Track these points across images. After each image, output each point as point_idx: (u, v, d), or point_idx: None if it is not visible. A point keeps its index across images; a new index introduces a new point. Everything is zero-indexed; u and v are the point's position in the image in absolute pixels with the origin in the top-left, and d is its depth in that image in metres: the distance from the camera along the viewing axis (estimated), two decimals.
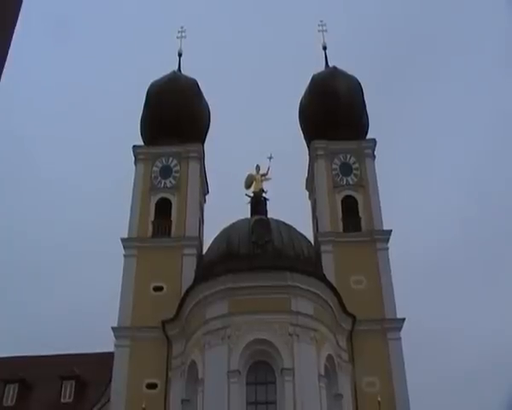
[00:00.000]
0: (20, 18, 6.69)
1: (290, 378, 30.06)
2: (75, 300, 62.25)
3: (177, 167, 41.89)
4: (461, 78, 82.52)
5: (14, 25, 6.61)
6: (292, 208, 44.58)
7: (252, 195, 40.85)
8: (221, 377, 30.16)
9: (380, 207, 39.98)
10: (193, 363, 32.36)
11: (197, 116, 44.47)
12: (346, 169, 41.36)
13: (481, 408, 41.82)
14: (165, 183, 41.41)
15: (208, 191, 45.96)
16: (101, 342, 39.42)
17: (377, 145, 42.44)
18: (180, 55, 48.36)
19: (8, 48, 6.58)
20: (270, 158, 41.04)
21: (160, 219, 40.05)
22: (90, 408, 36.14)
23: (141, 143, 43.87)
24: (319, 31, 48.36)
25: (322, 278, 34.70)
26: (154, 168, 41.88)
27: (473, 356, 55.04)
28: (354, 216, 39.75)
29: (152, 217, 40.12)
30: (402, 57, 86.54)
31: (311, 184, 44.13)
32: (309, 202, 45.38)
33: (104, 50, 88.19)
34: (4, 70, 6.66)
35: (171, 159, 42.19)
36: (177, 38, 48.42)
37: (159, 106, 43.61)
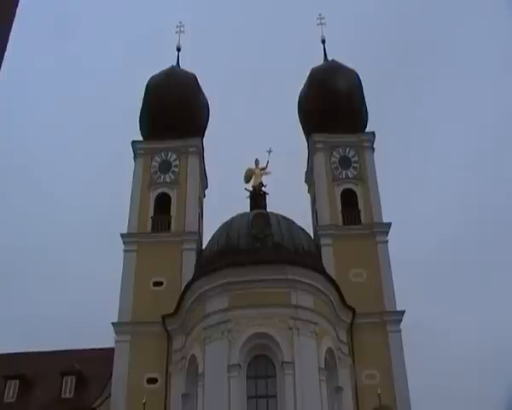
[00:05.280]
0: (20, 17, 6.67)
1: (290, 372, 30.04)
2: (75, 295, 62.38)
3: (177, 162, 41.87)
4: (461, 72, 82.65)
5: (11, 24, 6.59)
6: (291, 202, 44.65)
7: (251, 189, 40.75)
8: (221, 372, 30.13)
9: (379, 200, 40.00)
10: (193, 357, 32.37)
11: (196, 111, 44.42)
12: (345, 162, 41.36)
13: (480, 406, 41.80)
14: (164, 178, 41.39)
15: (208, 186, 45.99)
16: (102, 337, 39.40)
17: (376, 138, 42.50)
18: (179, 49, 48.34)
19: (5, 47, 6.56)
20: (270, 152, 40.99)
21: (159, 214, 40.04)
22: (90, 404, 36.12)
23: (140, 138, 43.81)
24: (318, 24, 48.45)
25: (322, 272, 34.68)
26: (154, 163, 41.87)
27: (472, 351, 55.12)
28: (354, 209, 39.75)
29: (151, 212, 40.11)
30: (401, 50, 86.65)
31: (310, 178, 44.09)
32: (308, 196, 45.39)
33: (103, 46, 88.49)
34: (5, 70, 6.64)
35: (170, 154, 42.15)
36: (176, 32, 48.57)
37: (158, 101, 43.54)
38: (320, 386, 30.38)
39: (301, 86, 46.61)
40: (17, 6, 6.70)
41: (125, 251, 38.42)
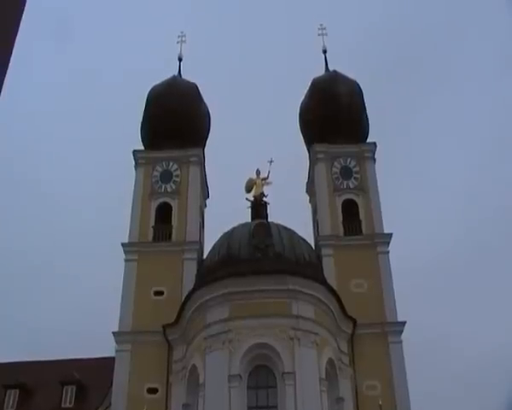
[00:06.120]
0: (22, 19, 6.69)
1: (291, 382, 29.96)
2: (76, 305, 62.34)
3: (178, 172, 41.90)
4: (461, 80, 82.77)
5: (17, 28, 6.61)
6: (292, 212, 44.59)
7: (252, 199, 40.80)
8: (222, 382, 30.07)
9: (380, 210, 39.98)
10: (194, 367, 32.30)
11: (197, 120, 44.51)
12: (346, 173, 41.36)
13: None
14: (165, 187, 41.41)
15: (209, 196, 45.99)
16: (102, 346, 39.37)
17: (377, 149, 42.48)
18: (180, 59, 48.43)
19: (11, 54, 6.58)
20: (271, 162, 41.03)
21: (160, 223, 40.04)
22: None
23: (141, 147, 43.86)
24: (319, 34, 48.51)
25: (323, 282, 34.66)
26: (155, 173, 41.88)
27: (473, 361, 55.02)
28: (355, 220, 39.73)
29: (152, 221, 40.10)
30: (402, 60, 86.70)
31: (311, 188, 44.11)
32: (309, 206, 45.37)
33: (104, 55, 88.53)
34: (7, 75, 6.65)
35: (171, 163, 42.18)
36: (177, 42, 48.59)
37: (159, 110, 43.59)
38: (321, 397, 30.30)
39: (302, 96, 46.69)
40: (23, 12, 6.73)
41: (125, 260, 38.42)
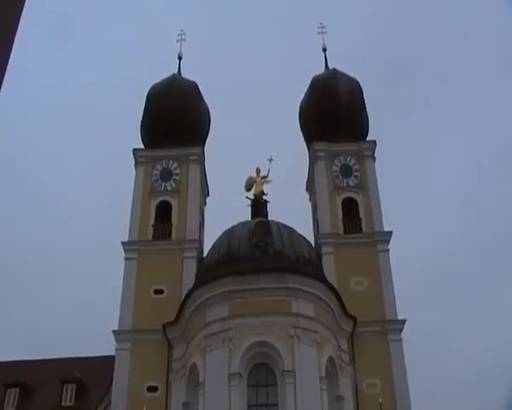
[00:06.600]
0: (21, 18, 6.68)
1: (291, 381, 29.97)
2: (76, 303, 62.35)
3: (178, 170, 41.89)
4: (462, 79, 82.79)
5: (17, 25, 6.60)
6: (292, 210, 44.58)
7: (252, 197, 40.80)
8: (222, 380, 30.08)
9: (380, 208, 39.96)
10: (194, 366, 32.31)
11: (197, 119, 44.47)
12: (346, 171, 41.34)
13: None
14: (165, 186, 41.39)
15: (209, 194, 45.97)
16: (102, 345, 39.35)
17: (377, 147, 42.45)
18: (180, 58, 48.39)
19: (10, 52, 6.57)
20: (271, 160, 41.10)
21: (160, 222, 40.03)
22: None
23: (141, 146, 43.83)
24: (319, 33, 48.48)
25: (323, 280, 34.65)
26: (155, 171, 41.86)
27: (472, 360, 55.02)
28: (355, 218, 39.71)
29: (152, 220, 40.08)
30: (402, 59, 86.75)
31: (311, 186, 44.08)
32: (309, 204, 45.34)
33: (104, 54, 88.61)
34: (6, 73, 6.65)
35: (171, 162, 42.15)
36: (177, 41, 48.57)
37: (159, 109, 43.54)
38: (321, 395, 30.31)
39: (302, 95, 46.66)
40: (22, 10, 6.72)
41: (125, 259, 38.41)
